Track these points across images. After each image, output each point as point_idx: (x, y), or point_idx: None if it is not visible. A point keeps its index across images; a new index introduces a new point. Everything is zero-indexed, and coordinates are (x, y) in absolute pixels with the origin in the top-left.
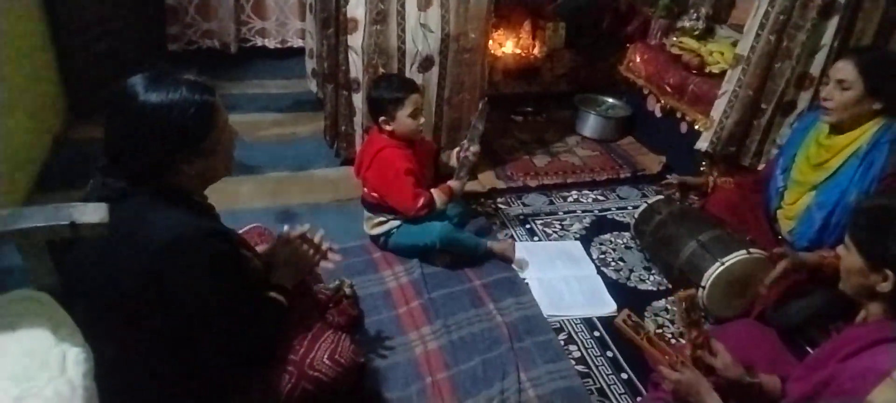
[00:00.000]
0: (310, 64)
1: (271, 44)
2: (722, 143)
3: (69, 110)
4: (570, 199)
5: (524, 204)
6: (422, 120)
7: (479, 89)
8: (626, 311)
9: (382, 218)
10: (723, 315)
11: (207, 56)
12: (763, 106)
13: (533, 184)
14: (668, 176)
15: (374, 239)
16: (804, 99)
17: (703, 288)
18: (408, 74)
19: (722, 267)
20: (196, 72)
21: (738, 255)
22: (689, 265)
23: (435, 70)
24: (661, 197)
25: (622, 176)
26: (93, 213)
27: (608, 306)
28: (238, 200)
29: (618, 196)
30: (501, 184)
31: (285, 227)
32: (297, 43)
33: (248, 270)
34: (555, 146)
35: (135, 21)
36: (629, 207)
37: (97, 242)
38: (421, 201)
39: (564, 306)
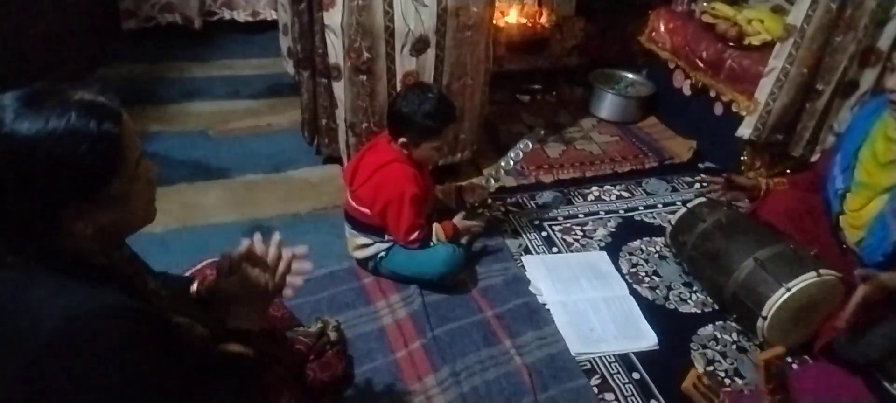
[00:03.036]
0: (284, 42)
1: (241, 17)
2: (768, 130)
3: None
4: (590, 197)
5: (538, 205)
6: (445, 150)
7: (484, 72)
8: (695, 372)
9: (367, 240)
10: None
11: (168, 34)
12: (819, 86)
13: (547, 179)
14: (700, 165)
15: (361, 262)
16: (868, 78)
17: (765, 318)
18: (398, 58)
19: (787, 294)
20: (98, 89)
21: (807, 278)
22: (746, 289)
23: (430, 53)
24: (703, 199)
25: (648, 165)
26: None
27: (647, 338)
28: (200, 214)
29: (644, 190)
30: (511, 181)
31: (224, 250)
32: (270, 15)
33: (186, 346)
34: (569, 131)
35: None
36: (659, 205)
37: None
38: (414, 235)
39: (595, 339)
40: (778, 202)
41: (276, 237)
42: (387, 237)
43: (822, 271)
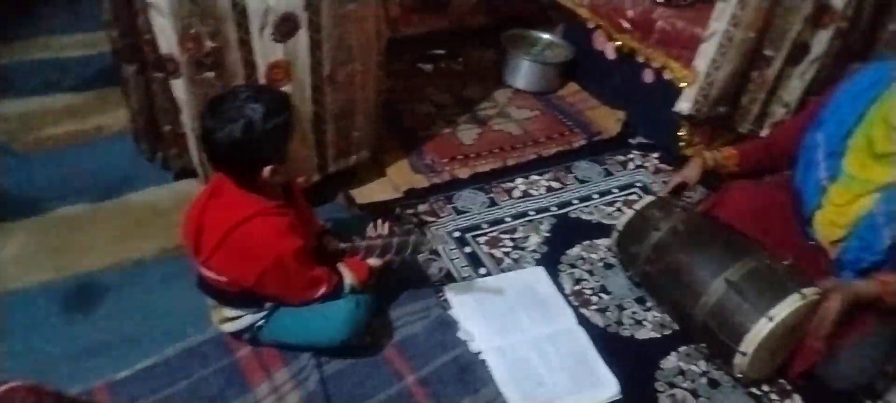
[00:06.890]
0: None
1: None
2: (710, 104)
3: None
4: (515, 193)
5: (457, 210)
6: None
7: (376, 52)
8: None
9: (236, 313)
10: (758, 378)
11: None
12: (768, 52)
13: (463, 174)
14: (631, 140)
15: (233, 334)
16: (821, 40)
17: (744, 354)
18: (258, 46)
19: (771, 325)
20: None
21: (791, 303)
22: (718, 319)
23: (302, 35)
24: (651, 198)
25: (576, 144)
26: None
27: (606, 386)
28: None
29: (576, 178)
30: (422, 181)
31: None
32: None
33: None
34: (482, 107)
35: None
36: (594, 196)
37: None
38: (322, 289)
39: (545, 397)
40: (737, 200)
41: None
42: (266, 305)
43: (805, 290)
